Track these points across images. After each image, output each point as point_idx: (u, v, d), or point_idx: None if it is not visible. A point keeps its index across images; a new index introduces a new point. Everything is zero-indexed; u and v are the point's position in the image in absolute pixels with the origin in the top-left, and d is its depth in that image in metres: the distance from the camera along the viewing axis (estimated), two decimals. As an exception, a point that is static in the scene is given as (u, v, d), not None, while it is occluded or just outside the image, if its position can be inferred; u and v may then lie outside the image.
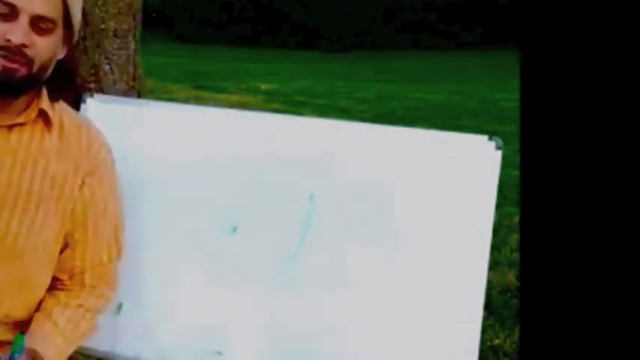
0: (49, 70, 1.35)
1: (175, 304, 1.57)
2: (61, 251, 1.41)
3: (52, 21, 1.30)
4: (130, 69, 1.81)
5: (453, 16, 21.46)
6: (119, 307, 1.58)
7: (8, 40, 1.25)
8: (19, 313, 1.37)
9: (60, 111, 1.41)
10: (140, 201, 1.57)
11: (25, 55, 1.27)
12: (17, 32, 1.25)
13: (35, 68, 1.30)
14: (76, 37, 1.40)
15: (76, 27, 1.38)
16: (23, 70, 1.28)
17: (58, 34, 1.33)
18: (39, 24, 1.28)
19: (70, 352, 1.40)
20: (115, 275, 1.49)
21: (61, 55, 1.37)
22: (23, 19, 1.26)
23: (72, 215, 1.39)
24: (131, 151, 1.58)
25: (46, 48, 1.30)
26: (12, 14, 1.26)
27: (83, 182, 1.40)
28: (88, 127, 1.45)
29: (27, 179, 1.34)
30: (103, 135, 1.47)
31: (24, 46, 1.27)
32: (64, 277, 1.42)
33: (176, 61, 14.20)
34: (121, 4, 1.76)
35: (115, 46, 1.77)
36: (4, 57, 1.26)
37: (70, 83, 1.47)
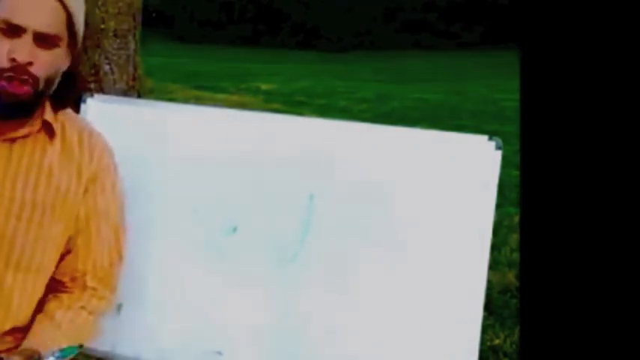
0: (55, 84, 1.34)
1: (175, 304, 1.57)
2: (63, 255, 1.42)
3: (57, 37, 1.29)
4: (130, 69, 1.81)
5: (453, 16, 21.47)
6: (119, 307, 1.57)
7: (13, 60, 1.24)
8: (23, 321, 1.38)
9: (62, 117, 1.40)
10: (140, 201, 1.57)
11: (30, 74, 1.26)
12: (22, 50, 1.24)
13: (41, 86, 1.29)
14: (79, 46, 1.39)
15: (80, 36, 1.37)
16: (29, 91, 1.27)
17: (63, 47, 1.32)
18: (43, 40, 1.27)
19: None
20: (116, 278, 1.49)
21: (65, 66, 1.36)
22: (27, 37, 1.25)
23: (75, 221, 1.40)
24: (131, 151, 1.58)
25: (51, 62, 1.29)
26: (16, 32, 1.24)
27: (86, 189, 1.40)
28: (89, 131, 1.45)
29: (30, 191, 1.34)
30: (105, 138, 1.47)
31: (29, 64, 1.25)
32: (66, 279, 1.42)
33: (176, 61, 14.19)
34: (121, 4, 1.76)
35: (115, 46, 1.77)
36: (10, 79, 1.25)
37: (73, 92, 1.45)
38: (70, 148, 1.39)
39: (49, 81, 1.31)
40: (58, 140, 1.38)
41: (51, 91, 1.34)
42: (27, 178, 1.34)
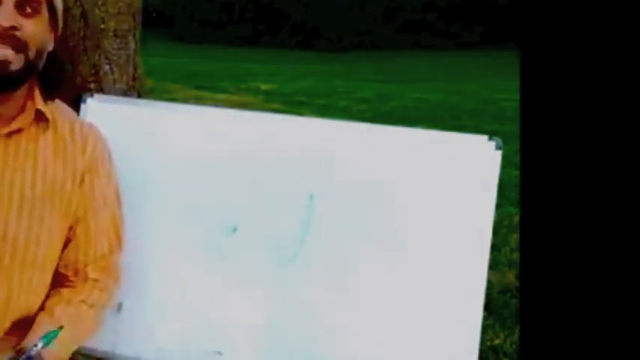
0: (44, 58, 1.33)
1: (175, 304, 1.57)
2: (64, 247, 1.42)
3: (37, 1, 1.28)
4: (130, 69, 1.81)
5: (453, 16, 21.49)
6: (119, 306, 1.58)
7: None
8: (25, 314, 1.37)
9: (52, 107, 1.39)
10: (140, 201, 1.57)
11: (17, 39, 1.25)
12: (4, 15, 1.23)
13: (32, 54, 1.28)
14: (60, 26, 1.38)
15: (59, 12, 1.36)
16: (20, 58, 1.26)
17: (44, 17, 1.31)
18: (24, 6, 1.26)
19: (74, 348, 1.40)
20: (117, 267, 1.49)
21: (50, 45, 1.35)
22: (8, 2, 1.24)
23: (73, 212, 1.40)
24: (131, 150, 1.58)
25: (35, 30, 1.28)
26: None
27: (82, 179, 1.40)
28: (81, 122, 1.45)
29: (28, 185, 1.34)
30: (97, 129, 1.47)
31: (14, 28, 1.24)
32: (69, 273, 1.43)
33: (176, 61, 14.21)
34: (121, 4, 1.76)
35: (115, 46, 1.76)
36: None
37: (62, 79, 1.43)
38: (63, 139, 1.39)
39: (39, 52, 1.30)
40: (50, 131, 1.38)
41: (40, 67, 1.32)
42: (24, 173, 1.34)
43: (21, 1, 1.26)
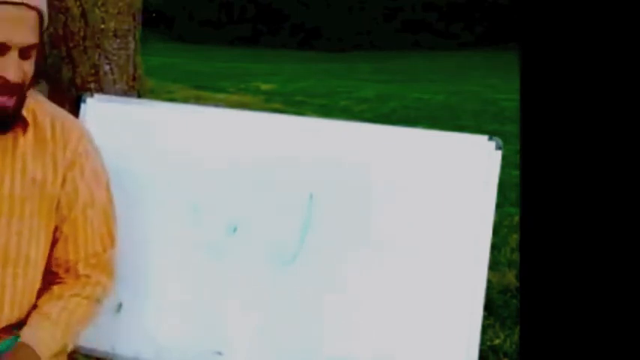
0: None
1: (175, 304, 1.57)
2: (52, 246, 1.41)
3: (37, 44, 1.29)
4: (130, 69, 1.81)
5: (453, 16, 21.48)
6: (119, 307, 1.58)
7: (2, 78, 1.24)
8: (17, 317, 1.37)
9: (33, 106, 1.38)
10: (140, 200, 1.57)
11: (19, 86, 1.27)
12: (11, 68, 1.24)
13: (25, 88, 1.30)
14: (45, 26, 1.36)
15: (45, 19, 1.34)
16: (13, 101, 1.27)
17: (37, 49, 1.31)
18: (28, 52, 1.27)
19: (69, 338, 1.40)
20: (111, 263, 1.48)
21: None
22: (14, 53, 1.24)
23: (57, 211, 1.39)
24: (131, 150, 1.58)
25: (31, 69, 1.30)
26: (1, 49, 1.24)
27: (64, 178, 1.39)
28: (63, 119, 1.42)
29: (7, 185, 1.33)
30: (81, 124, 1.45)
31: (21, 81, 1.26)
32: (60, 270, 1.42)
33: (176, 61, 14.21)
34: (121, 4, 1.76)
35: (115, 46, 1.77)
36: None
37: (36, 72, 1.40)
38: (44, 138, 1.37)
39: (29, 85, 1.32)
40: (30, 130, 1.36)
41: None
42: (2, 172, 1.33)
43: (25, 50, 1.26)
